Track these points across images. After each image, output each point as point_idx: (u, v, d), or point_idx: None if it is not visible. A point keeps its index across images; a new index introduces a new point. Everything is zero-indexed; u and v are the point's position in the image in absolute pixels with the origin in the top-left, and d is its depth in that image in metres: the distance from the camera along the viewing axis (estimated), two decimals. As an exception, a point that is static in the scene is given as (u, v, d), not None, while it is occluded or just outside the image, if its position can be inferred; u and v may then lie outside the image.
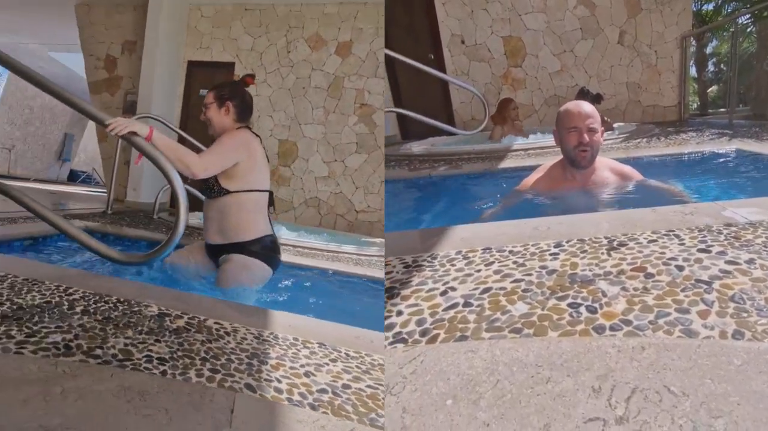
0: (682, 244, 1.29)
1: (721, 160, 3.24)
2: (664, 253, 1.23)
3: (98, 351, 1.04)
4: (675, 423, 0.69)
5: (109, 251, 1.88)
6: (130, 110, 6.41)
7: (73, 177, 15.98)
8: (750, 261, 1.15)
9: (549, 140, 4.03)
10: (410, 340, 0.99)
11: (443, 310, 1.08)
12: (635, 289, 1.07)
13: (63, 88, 1.96)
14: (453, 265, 1.31)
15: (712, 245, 1.26)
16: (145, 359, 1.03)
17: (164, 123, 4.74)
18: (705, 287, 1.06)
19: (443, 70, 6.22)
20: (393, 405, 0.79)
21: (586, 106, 2.12)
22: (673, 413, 0.71)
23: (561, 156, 2.26)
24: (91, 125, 15.57)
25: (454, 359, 0.89)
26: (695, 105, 6.60)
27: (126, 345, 1.09)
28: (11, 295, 1.38)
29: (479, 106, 5.91)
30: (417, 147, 4.71)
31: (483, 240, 1.46)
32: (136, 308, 1.35)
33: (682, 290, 1.05)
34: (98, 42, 6.86)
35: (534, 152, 3.90)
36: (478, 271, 1.25)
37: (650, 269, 1.15)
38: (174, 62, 6.31)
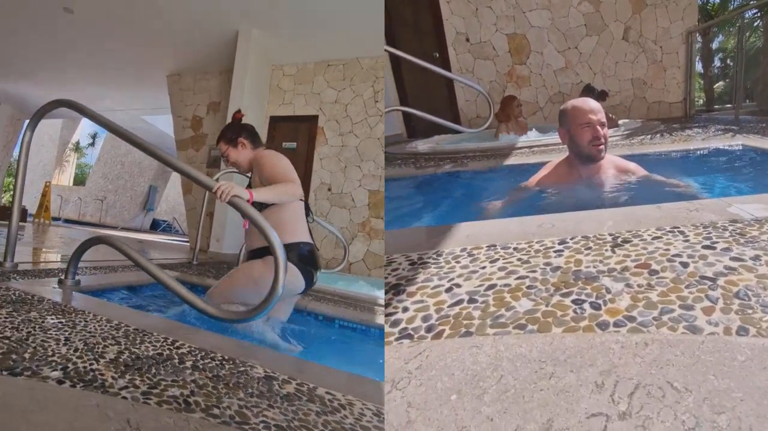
0: (687, 240, 1.29)
1: (727, 156, 3.23)
2: (668, 250, 1.24)
3: (216, 410, 1.03)
4: (678, 418, 0.69)
5: (206, 307, 1.86)
6: (213, 164, 6.73)
7: (155, 226, 16.97)
8: (755, 258, 1.15)
9: (552, 137, 4.02)
10: (416, 336, 1.00)
11: (448, 306, 1.09)
12: (639, 286, 1.07)
13: (169, 155, 2.13)
14: (458, 262, 1.32)
15: (717, 242, 1.26)
16: (262, 425, 1.00)
17: (248, 176, 4.84)
18: (709, 283, 1.06)
19: (448, 68, 6.22)
20: (398, 400, 0.80)
21: (593, 102, 2.15)
22: (675, 409, 0.71)
23: (566, 154, 2.27)
24: (174, 177, 16.87)
25: (458, 354, 0.89)
26: (701, 101, 6.54)
27: (240, 407, 1.07)
28: (128, 344, 1.41)
29: (484, 104, 5.91)
30: (422, 145, 4.71)
31: (487, 237, 1.47)
32: (242, 368, 1.34)
33: (687, 287, 1.05)
34: (186, 105, 7.42)
35: (539, 150, 3.89)
36: (483, 268, 1.26)
37: (654, 266, 1.15)
38: (257, 118, 6.49)
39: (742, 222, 1.40)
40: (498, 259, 1.30)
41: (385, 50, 5.54)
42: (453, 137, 5.14)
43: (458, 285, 1.18)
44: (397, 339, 1.00)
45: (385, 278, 1.28)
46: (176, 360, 1.33)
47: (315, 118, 6.39)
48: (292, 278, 2.13)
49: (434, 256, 1.38)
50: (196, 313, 2.02)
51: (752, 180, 2.68)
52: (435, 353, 0.91)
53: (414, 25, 6.38)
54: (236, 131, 2.48)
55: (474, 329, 0.99)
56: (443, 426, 0.73)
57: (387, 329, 1.04)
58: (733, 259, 1.16)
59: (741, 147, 3.24)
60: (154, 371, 1.21)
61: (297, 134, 6.50)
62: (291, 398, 1.17)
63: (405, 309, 1.11)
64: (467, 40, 6.26)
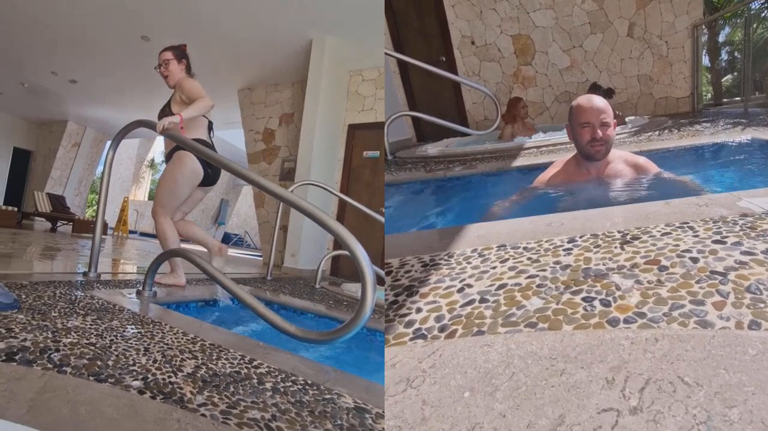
0: (697, 236, 1.29)
1: (736, 149, 3.20)
2: (678, 245, 1.24)
3: (301, 439, 0.98)
4: (689, 412, 0.70)
5: (286, 325, 1.80)
6: (287, 176, 6.63)
7: (227, 239, 17.28)
8: (767, 251, 1.15)
9: (560, 137, 4.02)
10: (429, 336, 1.02)
11: (460, 306, 1.11)
12: (649, 282, 1.08)
13: (246, 169, 2.22)
14: (469, 263, 1.33)
15: (727, 236, 1.26)
16: (357, 463, 0.95)
17: (325, 188, 4.75)
18: (720, 278, 1.06)
19: (455, 71, 6.24)
20: (413, 398, 0.81)
21: (598, 101, 2.13)
22: (686, 403, 0.71)
23: (575, 152, 2.27)
24: (246, 191, 17.25)
25: (471, 353, 0.91)
26: (709, 95, 6.47)
27: (329, 439, 1.01)
28: (205, 359, 1.42)
29: (491, 106, 5.92)
30: (432, 149, 4.73)
31: (498, 237, 1.48)
32: (328, 396, 1.28)
33: (697, 282, 1.05)
34: (257, 118, 7.40)
35: (547, 149, 3.89)
36: (494, 268, 1.27)
37: (664, 262, 1.16)
38: (334, 127, 6.31)
39: (753, 216, 1.39)
40: (508, 259, 1.31)
41: (387, 54, 5.57)
42: (462, 140, 5.16)
43: (470, 285, 1.19)
44: (411, 339, 1.01)
45: (398, 280, 1.30)
46: (255, 380, 1.30)
47: (401, 124, 6.11)
48: (191, 164, 2.80)
49: (446, 257, 1.39)
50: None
51: (763, 173, 2.65)
52: (448, 352, 0.93)
53: (420, 29, 6.42)
54: (183, 53, 3.02)
55: (486, 328, 1.00)
56: (457, 423, 0.74)
57: (401, 329, 1.06)
58: (744, 253, 1.15)
59: (751, 140, 3.21)
60: (232, 389, 1.19)
61: (380, 142, 6.21)
62: (388, 436, 1.12)
63: (418, 310, 1.12)
64: (473, 42, 6.28)
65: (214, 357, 1.45)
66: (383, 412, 1.21)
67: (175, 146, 2.82)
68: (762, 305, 0.94)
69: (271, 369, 1.43)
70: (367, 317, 1.56)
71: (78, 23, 6.41)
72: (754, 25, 5.91)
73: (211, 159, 2.34)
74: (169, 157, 2.91)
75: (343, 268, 6.04)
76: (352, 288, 4.06)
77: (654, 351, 0.83)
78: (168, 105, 2.97)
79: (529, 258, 1.30)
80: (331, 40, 6.00)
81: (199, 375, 1.27)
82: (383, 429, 1.13)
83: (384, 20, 5.69)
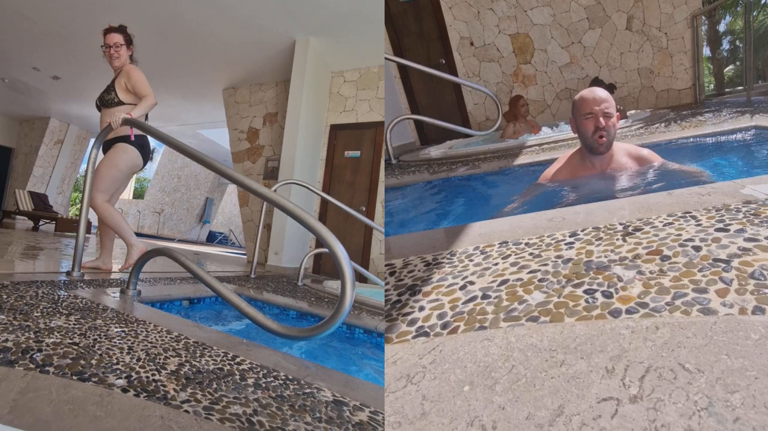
0: (699, 225, 1.28)
1: (740, 138, 3.17)
2: (680, 235, 1.23)
3: (282, 434, 1.00)
4: (690, 399, 0.69)
5: (267, 322, 1.82)
6: (271, 175, 6.72)
7: (212, 238, 17.30)
8: (770, 237, 1.14)
9: (561, 134, 4.01)
10: (432, 333, 1.02)
11: (463, 303, 1.11)
12: (651, 272, 1.07)
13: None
14: (471, 260, 1.33)
15: (730, 224, 1.25)
16: (333, 453, 0.97)
17: (308, 187, 4.81)
18: (723, 265, 1.05)
19: (455, 73, 6.25)
20: (413, 393, 0.82)
21: (600, 92, 2.14)
22: (687, 390, 0.71)
23: (577, 147, 2.27)
24: (230, 189, 17.46)
25: (470, 347, 0.91)
26: (711, 86, 6.40)
27: (308, 431, 1.04)
28: (188, 357, 1.43)
29: (492, 106, 5.92)
30: (435, 151, 4.74)
31: (500, 234, 1.48)
32: (308, 390, 1.30)
33: (700, 271, 1.04)
34: (242, 117, 7.51)
35: (548, 147, 3.88)
36: (496, 264, 1.27)
37: (666, 252, 1.15)
38: (316, 127, 6.42)
39: (757, 203, 1.38)
40: (510, 255, 1.32)
41: (387, 59, 5.60)
42: (465, 141, 5.16)
43: (472, 283, 1.20)
44: (414, 337, 1.02)
45: (401, 280, 1.31)
46: (237, 377, 1.32)
47: (380, 124, 6.21)
48: (133, 155, 3.10)
49: (448, 256, 1.40)
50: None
51: (767, 160, 2.63)
52: (448, 347, 0.93)
53: (419, 33, 6.44)
54: (131, 39, 3.14)
55: (488, 324, 1.00)
56: (456, 417, 0.75)
57: (404, 328, 1.06)
58: (747, 240, 1.15)
59: (754, 128, 3.19)
60: (215, 386, 1.21)
61: (360, 142, 6.35)
62: (365, 427, 1.11)
63: (421, 308, 1.13)
64: (471, 44, 6.29)
65: (197, 355, 1.46)
66: (362, 405, 1.25)
67: (117, 138, 3.05)
68: (766, 290, 0.94)
69: (254, 365, 1.44)
70: (346, 313, 1.59)
71: (61, 19, 6.37)
72: (755, 13, 5.85)
73: (196, 158, 2.26)
74: (107, 147, 3.12)
75: (325, 265, 6.08)
76: (333, 285, 4.06)
77: (654, 339, 0.83)
78: (113, 90, 3.09)
79: (530, 254, 1.30)
80: (314, 41, 6.06)
81: (182, 372, 1.28)
82: (360, 421, 1.15)
83: (384, 25, 5.72)
